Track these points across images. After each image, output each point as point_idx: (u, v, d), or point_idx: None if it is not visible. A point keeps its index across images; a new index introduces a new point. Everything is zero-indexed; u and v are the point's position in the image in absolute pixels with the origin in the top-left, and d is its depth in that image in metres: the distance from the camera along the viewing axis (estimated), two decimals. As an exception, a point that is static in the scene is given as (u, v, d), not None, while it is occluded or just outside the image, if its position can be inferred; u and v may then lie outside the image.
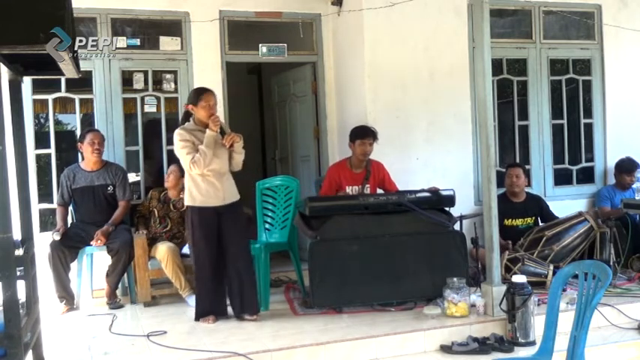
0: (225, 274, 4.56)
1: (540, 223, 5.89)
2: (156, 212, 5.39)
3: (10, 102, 3.27)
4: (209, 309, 4.57)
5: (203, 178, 4.46)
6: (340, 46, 6.28)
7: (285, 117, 7.09)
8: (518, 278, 4.25)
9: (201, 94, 4.52)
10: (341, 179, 5.28)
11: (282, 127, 7.21)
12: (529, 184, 6.39)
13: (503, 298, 4.27)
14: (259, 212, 5.51)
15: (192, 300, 4.92)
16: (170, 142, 5.96)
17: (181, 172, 5.27)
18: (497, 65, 6.25)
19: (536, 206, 6.00)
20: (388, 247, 4.77)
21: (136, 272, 5.17)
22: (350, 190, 5.26)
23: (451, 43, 6.01)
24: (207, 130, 4.42)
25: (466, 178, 6.07)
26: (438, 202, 4.99)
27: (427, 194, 4.99)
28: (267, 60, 6.37)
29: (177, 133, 4.51)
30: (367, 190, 5.24)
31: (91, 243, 5.11)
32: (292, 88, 6.86)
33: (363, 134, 5.23)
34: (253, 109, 8.57)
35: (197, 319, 4.57)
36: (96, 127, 5.59)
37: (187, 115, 4.61)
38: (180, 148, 4.46)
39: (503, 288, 4.33)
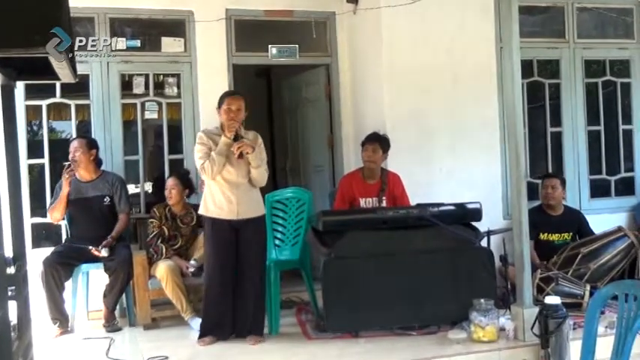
0: (236, 295, 4.61)
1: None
2: (166, 230, 5.36)
3: (1, 109, 3.30)
4: (211, 328, 4.62)
5: (219, 187, 4.55)
6: (356, 47, 6.30)
7: (297, 124, 7.12)
8: (552, 299, 4.21)
9: (224, 97, 4.64)
10: (354, 191, 5.29)
11: (294, 134, 7.24)
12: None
13: (535, 322, 4.24)
14: (268, 227, 5.49)
15: (195, 323, 4.93)
16: (172, 151, 6.04)
17: (183, 185, 5.33)
18: (527, 67, 6.22)
19: (575, 221, 5.94)
20: (409, 265, 4.76)
21: (135, 292, 5.19)
22: (364, 203, 5.26)
23: (477, 43, 6.01)
24: (222, 136, 4.49)
25: (494, 190, 6.05)
26: (464, 216, 4.98)
27: (451, 207, 4.98)
28: (277, 62, 6.40)
29: (197, 136, 4.68)
30: (384, 204, 5.24)
31: (91, 249, 5.10)
32: (304, 92, 6.89)
33: (367, 139, 5.29)
34: (262, 115, 8.57)
35: (199, 337, 4.64)
36: (91, 135, 5.65)
37: None
38: (195, 152, 4.59)
39: (536, 310, 4.30)
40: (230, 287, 4.59)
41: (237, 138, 4.50)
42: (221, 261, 4.56)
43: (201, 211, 4.68)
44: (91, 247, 5.12)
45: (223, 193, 4.55)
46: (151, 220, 5.36)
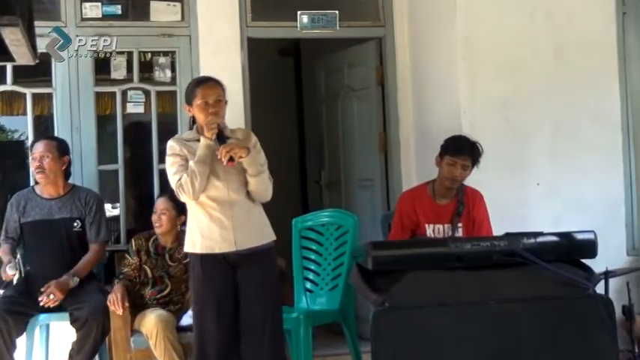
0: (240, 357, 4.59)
1: None
2: (148, 271, 5.39)
3: None
4: None
5: (205, 211, 4.50)
6: (419, 14, 6.32)
7: (337, 120, 7.13)
8: (699, 370, 4.17)
9: (194, 88, 4.58)
10: (418, 214, 5.25)
11: (332, 134, 7.25)
12: None
13: (674, 401, 4.20)
14: (297, 265, 5.53)
15: (193, 396, 4.95)
16: (164, 157, 6.06)
17: (178, 210, 5.29)
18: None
19: None
20: (494, 318, 4.71)
21: (113, 353, 5.21)
22: (432, 231, 5.24)
23: (589, 7, 6.01)
24: (201, 139, 4.46)
25: (614, 214, 6.04)
26: (572, 250, 4.93)
27: (554, 238, 4.94)
28: (308, 35, 6.46)
29: (168, 146, 4.61)
30: (459, 232, 5.22)
31: (40, 300, 5.09)
32: (347, 76, 6.92)
33: (455, 149, 5.16)
34: (288, 108, 8.64)
35: None
36: (55, 135, 5.70)
37: (194, 121, 4.66)
38: (168, 167, 4.55)
39: (676, 385, 4.25)
40: (233, 351, 4.54)
41: (221, 138, 4.44)
42: (220, 312, 4.49)
43: (187, 249, 4.61)
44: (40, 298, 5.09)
45: (211, 217, 4.47)
46: (126, 257, 5.42)
